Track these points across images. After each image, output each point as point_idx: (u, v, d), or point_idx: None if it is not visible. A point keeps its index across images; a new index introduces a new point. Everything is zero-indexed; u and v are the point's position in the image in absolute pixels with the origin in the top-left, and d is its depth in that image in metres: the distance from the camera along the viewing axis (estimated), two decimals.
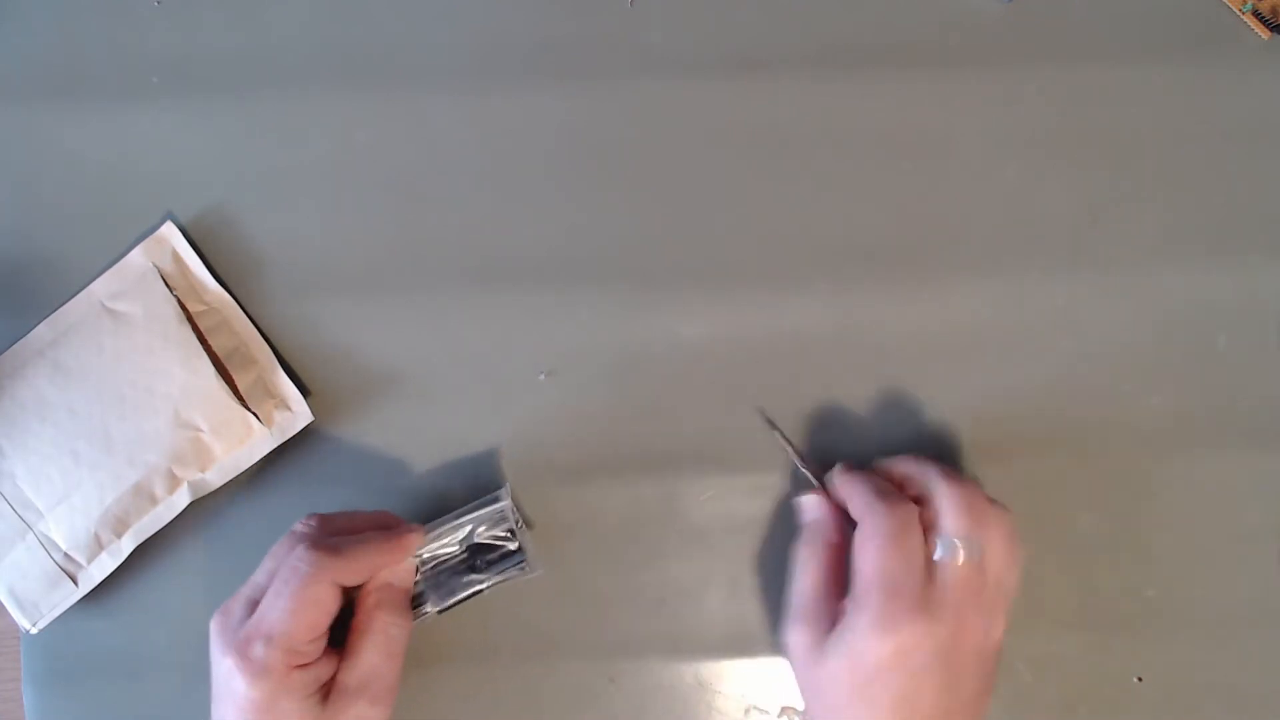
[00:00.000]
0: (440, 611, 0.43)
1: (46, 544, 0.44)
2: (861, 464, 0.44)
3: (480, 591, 0.43)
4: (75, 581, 0.44)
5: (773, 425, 0.46)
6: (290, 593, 0.36)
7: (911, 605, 0.36)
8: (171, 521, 0.44)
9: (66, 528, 0.44)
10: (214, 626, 0.37)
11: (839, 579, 0.40)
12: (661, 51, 0.48)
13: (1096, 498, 0.47)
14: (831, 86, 0.48)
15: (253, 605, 0.37)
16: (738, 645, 0.46)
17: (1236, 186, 0.48)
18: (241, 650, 0.36)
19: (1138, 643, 0.46)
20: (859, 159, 0.48)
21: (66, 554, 0.44)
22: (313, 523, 0.40)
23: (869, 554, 0.38)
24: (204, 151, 0.48)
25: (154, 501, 0.44)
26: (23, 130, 0.47)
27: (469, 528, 0.43)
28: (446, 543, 0.43)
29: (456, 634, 0.46)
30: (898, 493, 0.40)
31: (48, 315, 0.46)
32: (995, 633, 0.38)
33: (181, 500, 0.44)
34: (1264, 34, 0.48)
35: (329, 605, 0.37)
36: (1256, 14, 0.48)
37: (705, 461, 0.47)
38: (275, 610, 0.36)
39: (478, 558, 0.43)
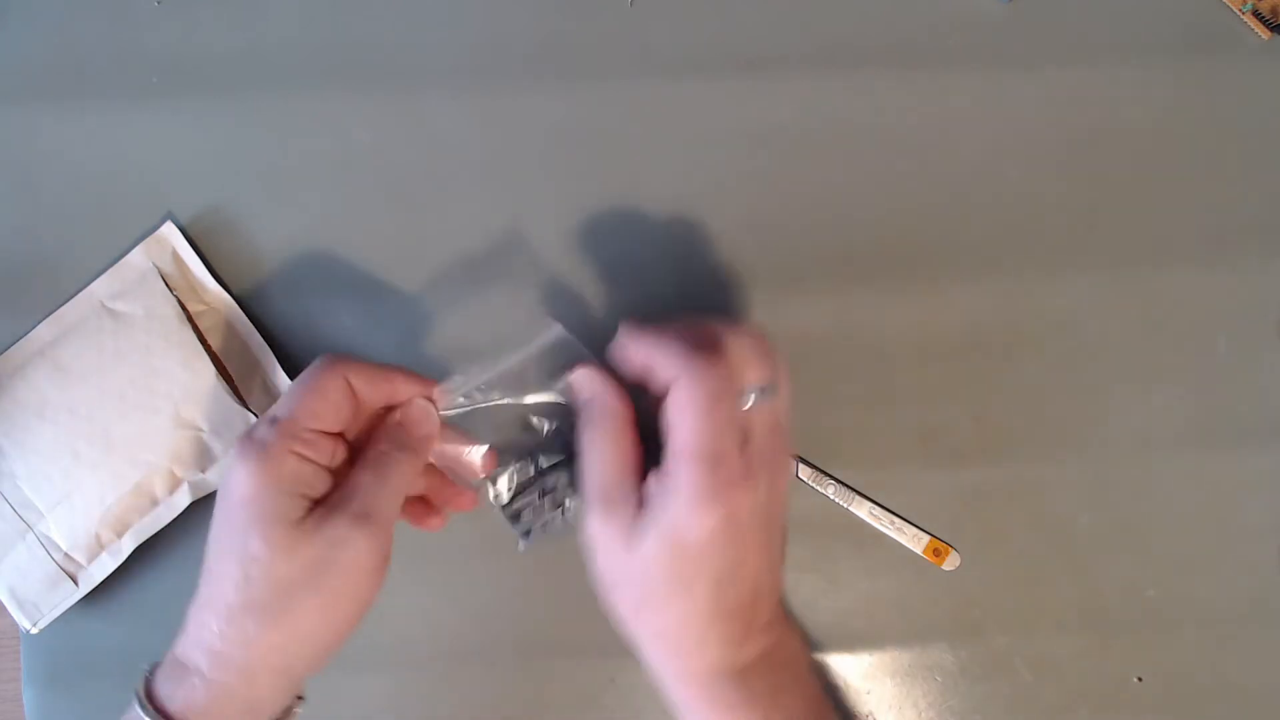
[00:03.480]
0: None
1: (46, 544, 0.44)
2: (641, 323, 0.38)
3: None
4: (75, 581, 0.44)
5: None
6: (301, 379, 0.36)
7: (736, 473, 0.33)
8: (171, 521, 0.45)
9: (67, 528, 0.44)
10: (235, 443, 0.36)
11: (635, 456, 0.36)
12: (661, 51, 0.48)
13: (1096, 498, 0.47)
14: (831, 86, 0.48)
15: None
16: None
17: (1236, 186, 0.48)
18: (247, 435, 0.35)
19: (1138, 643, 0.46)
20: (859, 159, 0.48)
21: (67, 554, 0.44)
22: None
23: (688, 422, 0.33)
24: (204, 151, 0.48)
25: (154, 501, 0.44)
26: (23, 130, 0.47)
27: (520, 368, 0.38)
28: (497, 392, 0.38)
29: (457, 633, 0.46)
30: (709, 346, 0.35)
31: (48, 315, 0.46)
32: (790, 470, 0.36)
33: (182, 500, 0.44)
34: (1264, 34, 0.48)
35: (336, 396, 0.36)
36: (1256, 14, 0.48)
37: None
38: (282, 400, 0.36)
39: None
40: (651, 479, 0.34)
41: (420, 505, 0.41)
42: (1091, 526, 0.47)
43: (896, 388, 0.47)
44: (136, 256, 0.46)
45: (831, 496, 0.46)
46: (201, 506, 0.45)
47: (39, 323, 0.46)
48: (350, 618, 0.35)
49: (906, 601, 0.46)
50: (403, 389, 0.38)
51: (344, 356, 0.37)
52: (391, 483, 0.36)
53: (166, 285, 0.46)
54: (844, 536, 0.47)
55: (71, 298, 0.46)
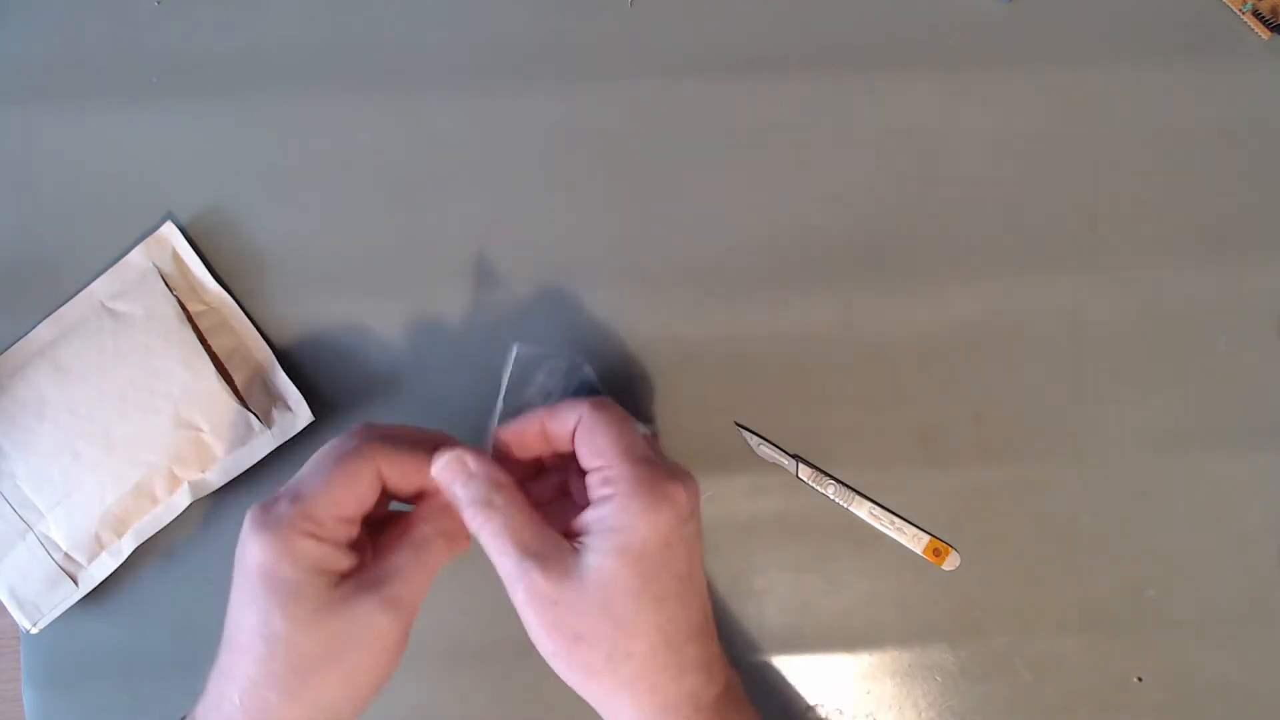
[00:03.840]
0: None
1: (47, 544, 0.44)
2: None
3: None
4: (75, 581, 0.44)
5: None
6: (329, 462, 0.35)
7: (666, 471, 0.34)
8: (172, 521, 0.45)
9: (67, 528, 0.44)
10: (250, 511, 0.35)
11: (540, 511, 0.36)
12: (661, 51, 0.48)
13: (1096, 498, 0.47)
14: (831, 86, 0.48)
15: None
16: (738, 645, 0.46)
17: (1236, 186, 0.48)
18: (264, 508, 0.34)
19: (1138, 643, 0.47)
20: (859, 159, 0.48)
21: (67, 554, 0.44)
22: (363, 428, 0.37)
23: (609, 437, 0.35)
24: (204, 151, 0.48)
25: (154, 501, 0.44)
26: (23, 130, 0.47)
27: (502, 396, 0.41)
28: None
29: (457, 634, 0.46)
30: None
31: (48, 315, 0.46)
32: (698, 496, 0.37)
33: (182, 500, 0.44)
34: (1264, 34, 0.48)
35: (363, 488, 0.35)
36: (1256, 14, 0.48)
37: (705, 461, 0.47)
38: (307, 477, 0.35)
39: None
40: (585, 513, 0.35)
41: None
42: (1091, 526, 0.47)
43: (896, 388, 0.47)
44: (136, 256, 0.46)
45: (831, 496, 0.46)
46: (201, 506, 0.45)
47: (39, 323, 0.46)
48: (371, 690, 0.35)
49: (906, 601, 0.47)
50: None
51: (379, 441, 0.35)
52: (429, 569, 0.36)
53: (166, 285, 0.46)
54: (844, 536, 0.47)
55: (71, 298, 0.46)
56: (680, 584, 0.34)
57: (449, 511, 0.36)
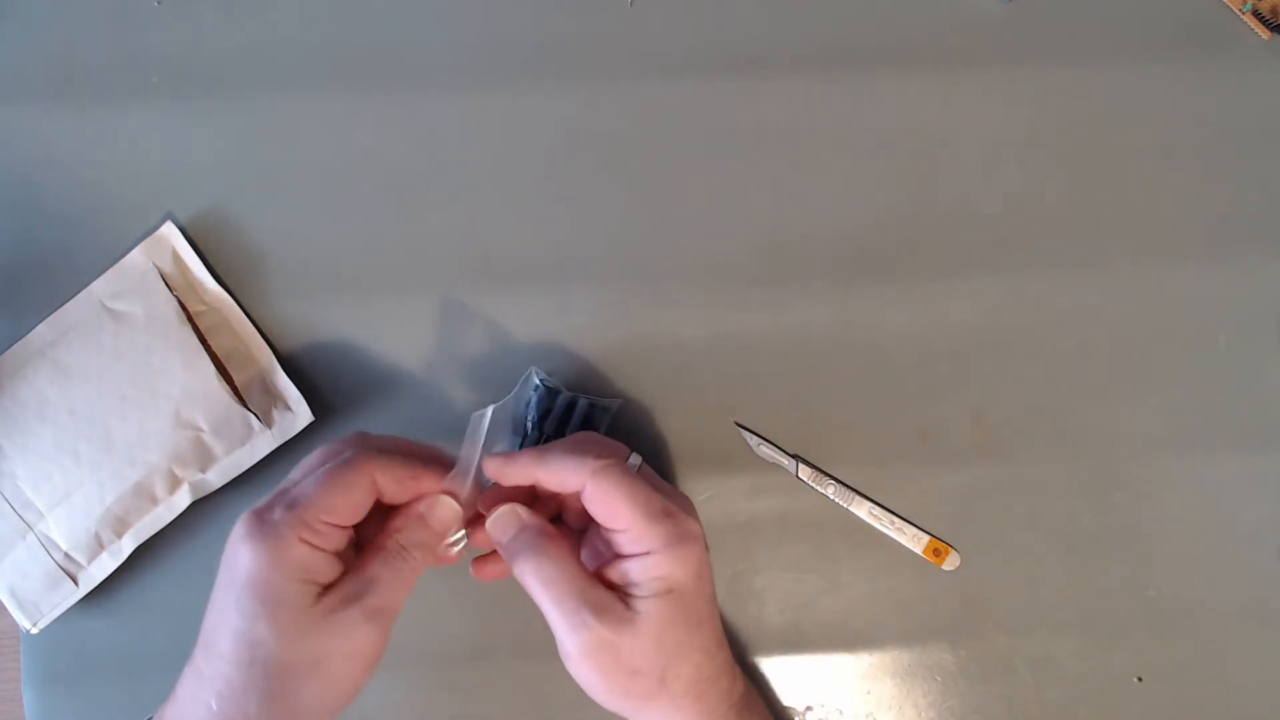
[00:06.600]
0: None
1: (47, 544, 0.44)
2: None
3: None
4: (75, 581, 0.44)
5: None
6: (325, 470, 0.36)
7: (680, 510, 0.37)
8: (172, 521, 0.45)
9: (67, 528, 0.44)
10: (242, 518, 0.35)
11: (583, 564, 0.38)
12: (661, 51, 0.48)
13: (1096, 498, 0.47)
14: (831, 86, 0.48)
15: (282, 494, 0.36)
16: (738, 645, 0.46)
17: (1236, 186, 0.48)
18: (257, 514, 0.34)
19: (1138, 643, 0.47)
20: (859, 159, 0.48)
21: (67, 554, 0.44)
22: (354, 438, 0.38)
23: (624, 505, 0.36)
24: (204, 151, 0.48)
25: (154, 501, 0.44)
26: (23, 130, 0.47)
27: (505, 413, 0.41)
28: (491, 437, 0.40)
29: (457, 634, 0.46)
30: (575, 450, 0.38)
31: (48, 315, 0.46)
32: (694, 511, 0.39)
33: (182, 500, 0.44)
34: (1264, 34, 0.48)
35: (358, 496, 0.36)
36: (1256, 14, 0.48)
37: (705, 461, 0.47)
38: (302, 483, 0.35)
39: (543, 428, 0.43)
40: (621, 565, 0.37)
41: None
42: (1091, 526, 0.47)
43: (896, 388, 0.47)
44: (136, 256, 0.46)
45: (831, 496, 0.46)
46: (201, 506, 0.45)
47: (39, 323, 0.46)
48: (348, 696, 0.36)
49: (906, 601, 0.47)
50: (429, 485, 0.38)
51: (373, 451, 0.36)
52: (407, 579, 0.37)
53: (166, 285, 0.46)
54: (844, 536, 0.47)
55: (71, 298, 0.46)
56: (710, 604, 0.38)
57: (424, 522, 0.38)
